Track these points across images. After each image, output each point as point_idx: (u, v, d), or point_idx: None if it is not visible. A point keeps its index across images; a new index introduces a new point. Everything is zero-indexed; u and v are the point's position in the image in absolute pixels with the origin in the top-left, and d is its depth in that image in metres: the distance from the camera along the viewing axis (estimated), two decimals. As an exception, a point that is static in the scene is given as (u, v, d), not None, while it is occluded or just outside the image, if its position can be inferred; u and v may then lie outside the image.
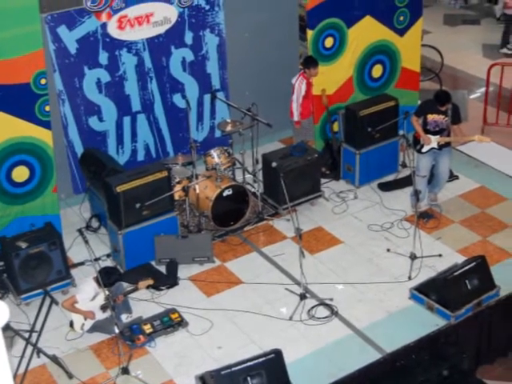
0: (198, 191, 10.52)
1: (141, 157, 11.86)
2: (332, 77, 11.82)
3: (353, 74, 12.05)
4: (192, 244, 10.03)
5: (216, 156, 10.88)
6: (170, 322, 9.03)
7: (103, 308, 8.87)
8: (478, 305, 9.07)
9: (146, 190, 9.79)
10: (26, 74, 9.33)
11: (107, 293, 8.69)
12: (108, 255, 10.26)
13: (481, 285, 9.15)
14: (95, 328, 8.98)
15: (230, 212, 10.62)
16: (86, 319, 8.92)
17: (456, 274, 9.05)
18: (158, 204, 9.91)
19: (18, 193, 9.83)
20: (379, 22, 11.89)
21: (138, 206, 9.75)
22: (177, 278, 9.82)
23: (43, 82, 9.46)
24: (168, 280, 9.78)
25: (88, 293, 8.88)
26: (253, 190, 11.23)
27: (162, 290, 9.67)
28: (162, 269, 9.98)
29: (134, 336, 8.82)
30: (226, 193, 10.47)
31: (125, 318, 9.08)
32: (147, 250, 9.99)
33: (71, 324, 9.00)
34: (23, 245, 9.33)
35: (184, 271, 9.97)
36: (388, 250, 10.20)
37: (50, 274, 9.50)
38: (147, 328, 8.92)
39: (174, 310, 9.21)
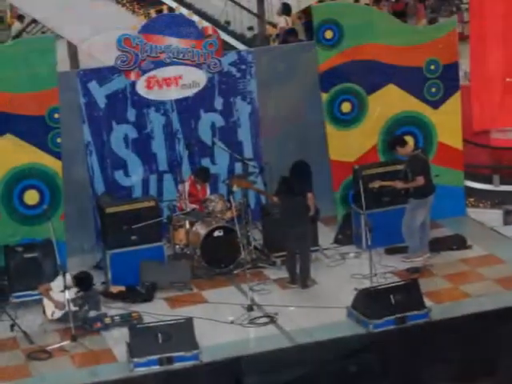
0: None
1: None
2: (353, 143, 18.48)
3: (377, 142, 18.62)
4: (171, 270, 17.22)
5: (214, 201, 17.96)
6: (128, 318, 15.95)
7: (73, 301, 15.87)
8: (401, 320, 15.19)
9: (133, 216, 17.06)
10: (40, 108, 16.90)
11: (76, 290, 15.89)
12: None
13: (407, 302, 15.29)
14: (63, 318, 16.05)
15: (221, 253, 17.55)
16: (56, 307, 16.03)
17: (380, 288, 15.47)
18: (146, 232, 17.10)
19: (29, 214, 17.23)
20: (405, 92, 18.35)
21: (124, 228, 17.01)
22: (153, 296, 16.86)
23: (56, 116, 17.01)
24: (143, 296, 16.81)
25: (61, 281, 15.80)
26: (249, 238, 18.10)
27: (135, 302, 16.74)
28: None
29: (92, 322, 15.79)
30: (217, 233, 17.48)
31: (93, 314, 16.20)
32: (133, 273, 17.00)
33: (44, 311, 16.16)
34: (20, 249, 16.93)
35: (162, 294, 17.02)
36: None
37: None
38: (107, 320, 15.91)
39: (136, 312, 16.18)
